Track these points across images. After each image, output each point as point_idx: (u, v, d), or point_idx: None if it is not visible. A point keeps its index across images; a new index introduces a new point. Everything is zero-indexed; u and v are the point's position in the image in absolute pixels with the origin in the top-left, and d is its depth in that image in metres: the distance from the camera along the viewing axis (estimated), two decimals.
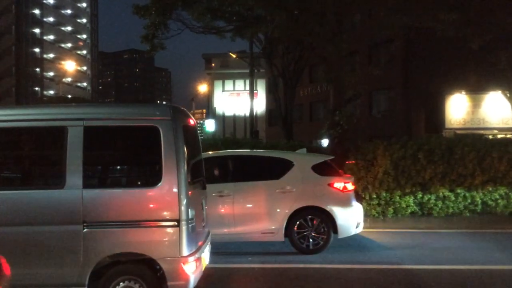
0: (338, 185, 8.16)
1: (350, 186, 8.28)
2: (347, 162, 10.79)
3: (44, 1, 74.48)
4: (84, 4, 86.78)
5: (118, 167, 5.56)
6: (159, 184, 4.78)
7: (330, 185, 8.14)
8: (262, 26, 11.86)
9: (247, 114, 47.44)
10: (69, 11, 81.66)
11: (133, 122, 5.03)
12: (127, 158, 5.36)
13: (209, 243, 5.75)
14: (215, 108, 53.65)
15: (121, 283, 4.77)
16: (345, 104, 13.24)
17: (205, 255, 5.42)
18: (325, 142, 26.60)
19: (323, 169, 8.33)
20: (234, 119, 53.36)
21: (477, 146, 10.81)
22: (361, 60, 26.94)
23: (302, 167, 8.25)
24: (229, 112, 54.35)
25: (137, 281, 4.77)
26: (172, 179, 4.76)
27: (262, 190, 8.14)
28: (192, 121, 5.59)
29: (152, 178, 4.98)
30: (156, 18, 13.28)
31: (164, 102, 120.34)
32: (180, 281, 4.74)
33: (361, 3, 12.33)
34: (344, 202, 8.14)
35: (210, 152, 9.18)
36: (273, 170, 8.39)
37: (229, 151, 9.57)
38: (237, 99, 54.39)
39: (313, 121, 37.31)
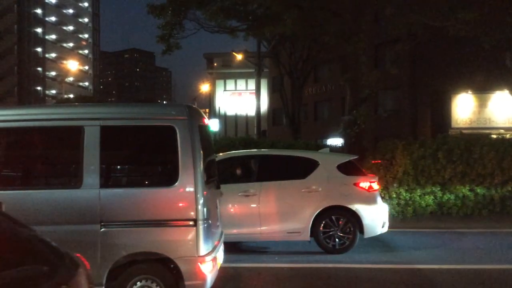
0: (364, 184, 8.12)
1: (375, 186, 8.26)
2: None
3: (46, 1, 74.39)
4: (86, 4, 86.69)
5: (135, 166, 5.52)
6: (176, 183, 4.77)
7: (356, 184, 8.11)
8: (280, 25, 11.82)
9: (249, 113, 47.44)
10: (71, 11, 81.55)
11: (150, 122, 5.02)
12: (143, 158, 5.34)
13: (222, 243, 5.73)
14: (219, 107, 53.62)
15: (138, 283, 4.74)
16: (361, 103, 13.23)
17: (220, 255, 5.42)
18: (330, 142, 26.71)
19: (348, 169, 8.30)
20: (236, 118, 53.32)
21: (496, 145, 10.82)
22: (368, 60, 26.95)
23: (327, 166, 8.22)
24: (230, 112, 54.31)
25: (154, 281, 4.75)
26: (189, 179, 4.75)
27: (288, 190, 8.10)
28: (206, 121, 5.58)
29: (168, 177, 4.95)
30: (172, 18, 13.24)
31: (165, 102, 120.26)
32: (197, 281, 4.72)
33: (380, 2, 12.28)
34: (370, 201, 8.11)
35: (233, 152, 9.16)
36: (298, 169, 8.36)
37: (253, 151, 9.54)
38: (239, 98, 54.32)
39: (318, 121, 37.34)
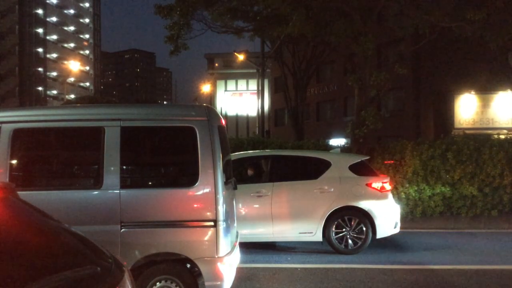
0: (376, 185, 8.13)
1: (387, 186, 8.26)
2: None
3: (47, 1, 74.36)
4: (87, 4, 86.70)
5: (155, 167, 5.48)
6: (196, 184, 4.76)
7: (368, 185, 8.11)
8: (288, 26, 11.79)
9: (250, 114, 47.42)
10: (72, 11, 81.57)
11: (170, 123, 5.02)
12: (163, 159, 5.34)
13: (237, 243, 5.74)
14: (220, 108, 53.64)
15: (157, 283, 4.74)
16: (369, 103, 13.20)
17: (237, 255, 5.43)
18: (332, 142, 26.71)
19: (360, 169, 8.31)
20: (237, 119, 53.36)
21: (505, 146, 10.81)
22: (372, 60, 26.96)
23: (339, 167, 8.22)
24: (231, 112, 54.35)
25: (174, 281, 4.74)
26: (209, 179, 4.74)
27: (300, 190, 8.12)
28: (223, 122, 5.59)
29: (188, 178, 4.95)
30: (180, 19, 13.20)
31: (165, 102, 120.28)
32: (217, 281, 4.73)
33: (388, 1, 12.25)
34: (383, 202, 8.11)
35: (245, 152, 9.16)
36: (310, 170, 8.38)
37: (265, 151, 9.53)
38: (240, 99, 54.32)
39: (320, 121, 37.36)
